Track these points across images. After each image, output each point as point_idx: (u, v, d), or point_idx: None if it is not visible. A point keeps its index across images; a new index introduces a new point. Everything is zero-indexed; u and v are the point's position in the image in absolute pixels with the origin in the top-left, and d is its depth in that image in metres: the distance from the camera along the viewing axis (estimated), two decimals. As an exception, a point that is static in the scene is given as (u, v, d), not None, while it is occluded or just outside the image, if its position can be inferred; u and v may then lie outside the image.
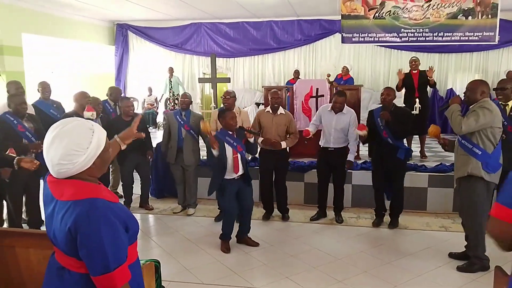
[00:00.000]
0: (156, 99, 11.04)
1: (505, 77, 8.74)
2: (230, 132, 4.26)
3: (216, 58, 7.82)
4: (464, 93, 3.81)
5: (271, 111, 5.01)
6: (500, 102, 4.24)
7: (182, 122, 5.18)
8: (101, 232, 1.40)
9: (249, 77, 11.28)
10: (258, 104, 9.86)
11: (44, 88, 5.49)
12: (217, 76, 7.83)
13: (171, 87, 10.48)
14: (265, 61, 11.14)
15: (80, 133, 1.48)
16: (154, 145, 5.68)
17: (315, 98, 6.32)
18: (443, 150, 4.23)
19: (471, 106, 3.66)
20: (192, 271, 3.86)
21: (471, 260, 3.82)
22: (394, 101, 4.74)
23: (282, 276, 3.75)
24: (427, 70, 6.32)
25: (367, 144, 6.56)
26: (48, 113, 5.26)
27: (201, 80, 9.04)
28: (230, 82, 9.48)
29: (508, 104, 4.37)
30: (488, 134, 3.55)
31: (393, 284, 3.60)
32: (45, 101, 5.46)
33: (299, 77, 9.51)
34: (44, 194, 1.61)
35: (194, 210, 5.47)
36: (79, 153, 1.46)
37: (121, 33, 11.53)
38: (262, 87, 8.45)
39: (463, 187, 3.77)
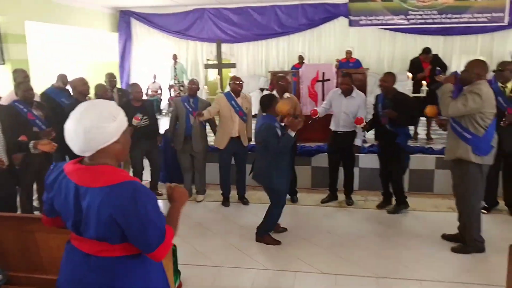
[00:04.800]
0: (160, 86, 11.02)
1: (510, 59, 8.68)
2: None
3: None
4: (461, 72, 3.76)
5: (277, 96, 5.00)
6: (499, 85, 4.25)
7: (190, 109, 5.19)
8: (147, 208, 1.50)
9: (253, 62, 11.20)
10: (262, 90, 9.81)
11: (61, 79, 5.63)
12: (222, 62, 7.80)
13: (176, 74, 10.44)
14: (269, 46, 11.06)
15: (108, 104, 1.58)
16: (161, 131, 5.69)
17: (321, 83, 6.30)
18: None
19: (465, 87, 3.60)
20: (206, 254, 3.93)
21: (466, 241, 3.84)
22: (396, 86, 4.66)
23: (294, 257, 3.83)
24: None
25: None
26: (59, 102, 5.27)
27: (207, 66, 9.01)
28: (235, 67, 9.44)
29: (507, 86, 4.36)
30: (477, 119, 3.49)
31: (403, 264, 3.67)
32: (57, 90, 5.48)
33: (304, 61, 9.45)
34: (62, 185, 1.57)
35: (203, 197, 5.51)
36: (110, 119, 1.51)
37: (124, 20, 11.46)
38: (268, 72, 8.41)
39: (455, 170, 3.78)
